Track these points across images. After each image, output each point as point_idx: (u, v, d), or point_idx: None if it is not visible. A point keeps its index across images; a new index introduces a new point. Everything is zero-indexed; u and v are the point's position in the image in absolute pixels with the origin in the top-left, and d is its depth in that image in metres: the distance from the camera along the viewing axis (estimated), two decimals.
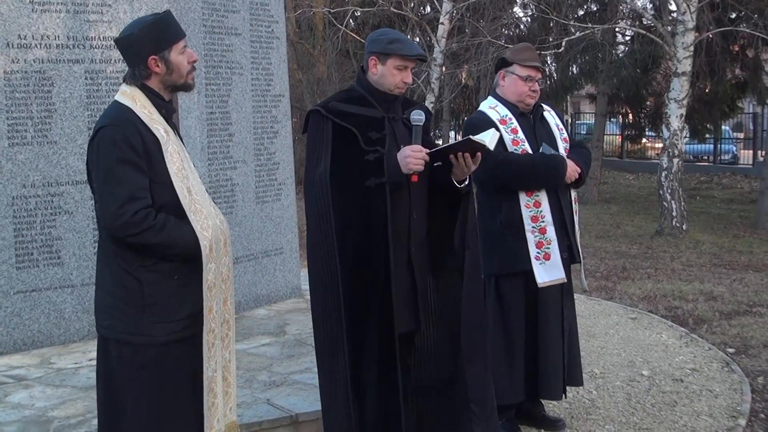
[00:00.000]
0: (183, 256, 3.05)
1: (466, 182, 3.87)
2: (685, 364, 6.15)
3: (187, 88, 3.24)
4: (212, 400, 3.16)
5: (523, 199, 4.54)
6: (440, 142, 22.61)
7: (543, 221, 4.54)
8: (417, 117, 3.74)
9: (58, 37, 5.66)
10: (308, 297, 7.15)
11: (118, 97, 3.12)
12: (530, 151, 4.56)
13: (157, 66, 3.11)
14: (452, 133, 27.92)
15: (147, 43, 3.07)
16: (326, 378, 3.84)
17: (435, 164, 3.78)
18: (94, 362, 5.14)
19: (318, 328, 3.84)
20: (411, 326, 3.84)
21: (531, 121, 4.71)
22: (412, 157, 3.64)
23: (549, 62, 20.16)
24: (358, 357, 3.73)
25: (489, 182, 4.63)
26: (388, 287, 3.66)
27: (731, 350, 6.59)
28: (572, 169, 4.59)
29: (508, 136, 4.58)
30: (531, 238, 4.54)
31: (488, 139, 3.75)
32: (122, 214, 2.92)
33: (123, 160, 2.96)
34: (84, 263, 5.77)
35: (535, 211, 4.54)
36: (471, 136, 3.68)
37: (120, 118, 3.03)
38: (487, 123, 4.57)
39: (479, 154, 3.74)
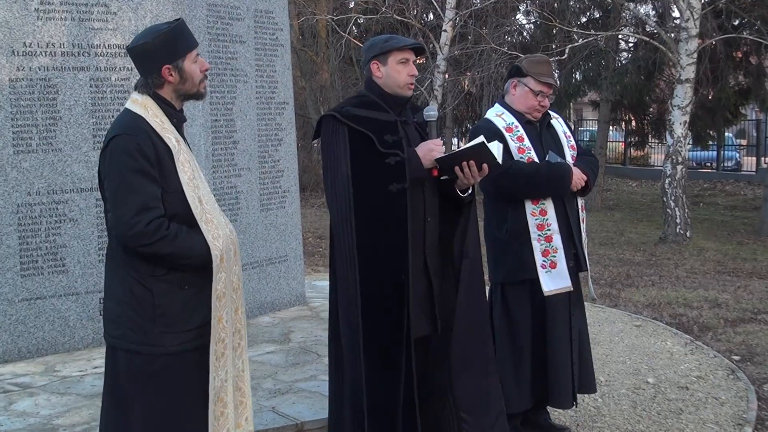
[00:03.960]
0: (194, 266, 3.04)
1: (469, 191, 3.88)
2: (691, 371, 6.13)
3: (199, 96, 3.23)
4: (221, 409, 3.14)
5: (529, 207, 4.53)
6: (443, 149, 22.60)
7: (549, 229, 4.53)
8: (430, 113, 3.79)
9: (63, 44, 5.67)
10: (312, 305, 7.21)
11: (129, 105, 3.11)
12: (536, 159, 4.55)
13: (171, 75, 3.09)
14: (455, 140, 27.93)
15: (161, 52, 3.05)
16: (337, 381, 3.90)
17: (442, 178, 3.79)
18: (99, 370, 5.16)
19: (343, 330, 3.86)
20: (426, 330, 3.86)
21: (538, 129, 4.69)
22: (436, 151, 3.70)
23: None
24: (373, 361, 3.74)
25: (495, 191, 4.62)
26: (405, 292, 3.68)
27: (736, 357, 6.57)
28: (578, 177, 4.57)
29: (515, 144, 4.56)
30: (537, 247, 4.53)
31: (495, 151, 3.76)
32: (135, 224, 2.91)
33: (136, 170, 2.94)
34: (88, 271, 5.77)
35: (541, 219, 4.52)
36: (483, 140, 3.68)
37: (133, 126, 3.01)
38: (492, 131, 4.56)
39: (485, 165, 3.74)
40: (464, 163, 3.71)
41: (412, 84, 3.87)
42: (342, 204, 3.71)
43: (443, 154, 3.74)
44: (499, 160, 3.78)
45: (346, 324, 3.83)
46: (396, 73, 3.82)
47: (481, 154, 3.69)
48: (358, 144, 3.74)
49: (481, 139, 3.72)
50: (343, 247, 3.74)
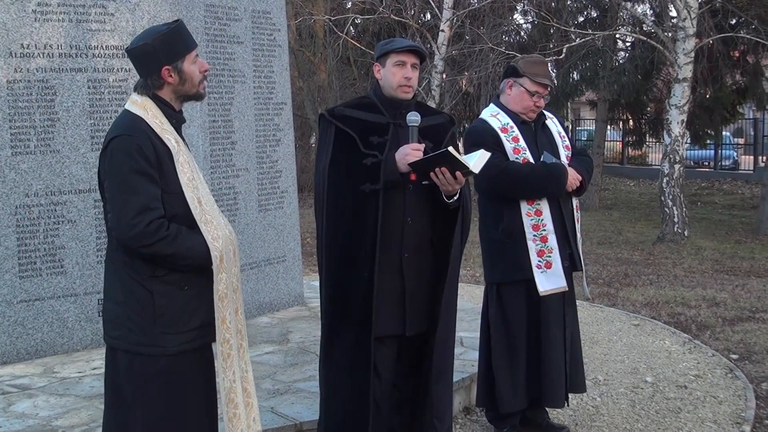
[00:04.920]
0: (194, 266, 3.04)
1: (455, 198, 3.88)
2: (689, 370, 6.14)
3: (198, 97, 3.23)
4: (233, 410, 3.14)
5: (525, 207, 4.54)
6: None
7: (544, 229, 4.53)
8: (412, 118, 3.81)
9: (61, 46, 5.67)
10: (311, 305, 7.22)
11: (129, 107, 3.11)
12: (531, 160, 4.55)
13: (171, 76, 3.09)
14: None
15: (161, 53, 3.05)
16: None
17: (423, 182, 3.80)
18: (98, 371, 5.17)
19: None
20: (397, 330, 3.89)
21: (532, 129, 4.70)
22: (411, 155, 3.69)
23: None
24: (332, 357, 3.85)
25: (490, 191, 4.62)
26: (370, 290, 3.72)
27: (735, 356, 6.59)
28: (573, 178, 4.58)
29: (510, 145, 4.57)
30: (532, 247, 4.53)
31: (474, 161, 3.74)
32: (136, 225, 2.91)
33: (136, 171, 2.94)
34: (87, 272, 5.76)
35: (537, 219, 4.53)
36: (449, 148, 3.67)
37: (133, 127, 3.01)
38: (487, 132, 4.56)
39: (459, 173, 3.72)
40: (438, 169, 3.71)
41: (408, 87, 3.87)
42: (318, 200, 3.86)
43: (415, 160, 3.75)
44: (476, 169, 3.74)
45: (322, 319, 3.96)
46: (391, 75, 3.87)
47: (449, 161, 3.68)
48: (343, 143, 3.83)
49: (447, 148, 3.73)
50: (317, 243, 3.91)
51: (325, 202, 3.80)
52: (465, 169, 3.69)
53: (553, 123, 4.82)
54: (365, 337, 3.75)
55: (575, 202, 4.75)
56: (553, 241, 4.53)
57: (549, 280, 4.53)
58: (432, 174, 3.71)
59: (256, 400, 3.35)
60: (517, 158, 4.54)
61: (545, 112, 4.79)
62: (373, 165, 3.75)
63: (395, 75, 3.85)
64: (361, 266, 3.74)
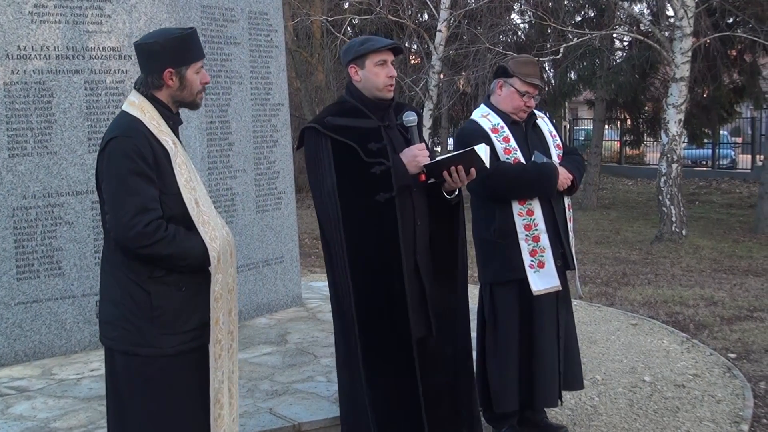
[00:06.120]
0: (193, 267, 3.05)
1: (456, 193, 3.87)
2: (687, 369, 6.14)
3: (194, 106, 3.26)
4: (218, 411, 3.16)
5: (516, 207, 4.53)
6: (439, 149, 22.62)
7: (536, 229, 4.53)
8: (410, 118, 3.78)
9: (58, 47, 5.67)
10: (309, 306, 7.21)
11: (126, 108, 3.12)
12: (522, 160, 4.55)
13: (171, 79, 3.11)
14: (450, 141, 27.96)
15: (168, 55, 3.08)
16: (346, 386, 3.94)
17: (429, 181, 3.78)
18: (96, 373, 5.17)
19: (337, 337, 3.93)
20: (423, 331, 3.89)
21: (523, 129, 4.69)
22: (421, 156, 3.66)
23: (547, 68, 20.20)
24: (374, 366, 3.77)
25: (482, 191, 4.62)
26: (402, 296, 3.69)
27: (733, 355, 6.59)
28: (564, 177, 4.58)
29: (500, 145, 4.56)
30: (525, 246, 4.53)
31: (482, 155, 3.76)
32: (134, 226, 2.92)
33: (134, 172, 2.95)
34: (85, 273, 5.76)
35: (528, 219, 4.53)
36: (474, 147, 3.69)
37: (130, 129, 3.03)
38: (478, 132, 4.56)
39: (473, 169, 3.74)
40: (452, 168, 3.70)
41: (391, 86, 3.82)
42: (332, 216, 3.71)
43: (431, 161, 3.73)
44: (487, 162, 3.78)
45: (340, 330, 3.90)
46: (374, 75, 3.78)
47: (470, 159, 3.70)
48: (343, 155, 3.71)
49: (473, 146, 3.74)
50: (335, 259, 3.77)
51: (340, 220, 3.67)
52: (482, 165, 3.71)
53: (543, 122, 4.83)
54: (407, 341, 3.73)
55: (567, 201, 4.75)
56: (545, 240, 4.53)
57: (542, 280, 4.53)
58: (446, 173, 3.70)
59: (237, 400, 3.36)
60: (508, 158, 4.54)
61: (536, 112, 4.79)
62: (383, 173, 3.68)
63: (379, 75, 3.77)
64: (387, 274, 3.70)
